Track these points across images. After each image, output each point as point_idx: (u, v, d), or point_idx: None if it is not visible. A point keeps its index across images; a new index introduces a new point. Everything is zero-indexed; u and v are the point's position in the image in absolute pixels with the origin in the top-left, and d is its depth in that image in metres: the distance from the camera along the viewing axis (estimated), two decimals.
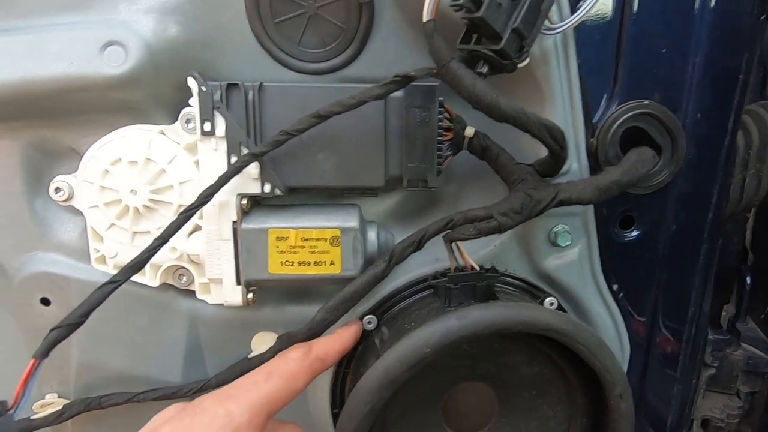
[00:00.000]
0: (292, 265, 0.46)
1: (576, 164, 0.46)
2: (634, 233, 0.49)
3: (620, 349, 0.53)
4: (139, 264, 0.40)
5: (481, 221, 0.42)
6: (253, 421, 0.36)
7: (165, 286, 0.50)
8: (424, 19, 0.36)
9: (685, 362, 0.55)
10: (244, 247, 0.45)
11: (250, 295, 0.47)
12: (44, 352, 0.38)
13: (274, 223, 0.45)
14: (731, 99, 0.45)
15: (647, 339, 0.53)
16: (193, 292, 0.50)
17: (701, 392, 0.67)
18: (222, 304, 0.48)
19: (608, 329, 0.52)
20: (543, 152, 0.43)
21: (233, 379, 0.51)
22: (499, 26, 0.34)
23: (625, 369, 0.54)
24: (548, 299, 0.51)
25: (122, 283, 0.39)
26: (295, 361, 0.41)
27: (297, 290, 0.52)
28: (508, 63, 0.36)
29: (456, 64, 0.35)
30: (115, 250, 0.47)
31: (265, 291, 0.50)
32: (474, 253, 0.50)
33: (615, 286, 0.51)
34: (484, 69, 0.36)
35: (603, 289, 0.50)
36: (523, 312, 0.40)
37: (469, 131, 0.46)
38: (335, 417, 0.52)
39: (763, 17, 0.49)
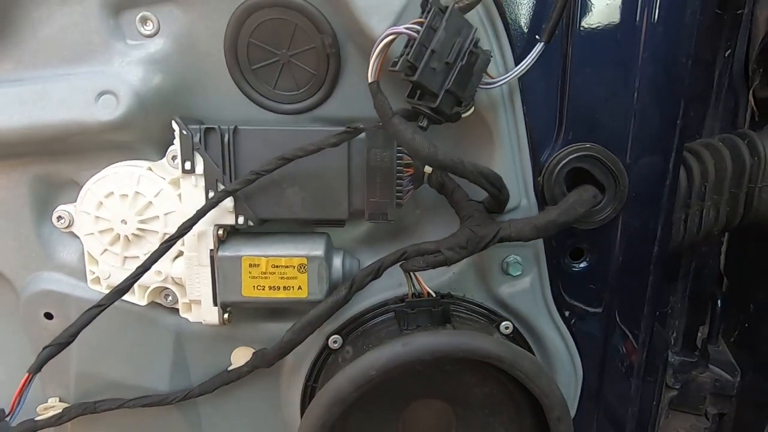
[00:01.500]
0: (263, 289, 0.51)
1: (525, 201, 0.49)
2: (583, 264, 0.53)
3: (573, 372, 0.56)
4: (123, 290, 0.45)
5: (431, 254, 0.46)
6: None
7: (153, 305, 0.55)
8: (369, 80, 0.40)
9: (639, 384, 0.57)
10: (221, 273, 0.50)
11: (226, 315, 0.52)
12: (37, 368, 0.44)
13: (247, 251, 0.50)
14: (671, 141, 0.48)
15: (601, 363, 0.56)
16: (178, 309, 0.55)
17: (663, 413, 0.69)
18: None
19: (561, 353, 0.55)
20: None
21: (214, 389, 0.57)
22: (435, 88, 0.38)
23: (579, 390, 0.57)
24: (504, 323, 0.54)
25: (107, 307, 0.44)
26: None
27: (271, 310, 0.56)
28: (445, 117, 0.40)
29: (397, 119, 0.39)
30: (108, 272, 0.52)
31: (242, 310, 0.55)
32: (434, 279, 0.54)
33: (567, 313, 0.54)
34: (424, 123, 0.40)
35: (555, 316, 0.54)
36: (466, 340, 0.44)
37: (428, 169, 0.50)
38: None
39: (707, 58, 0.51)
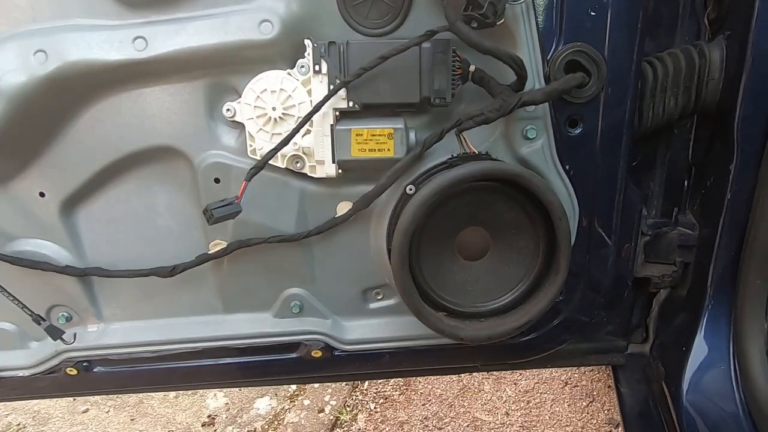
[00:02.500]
0: (365, 151, 0.78)
1: (537, 84, 0.74)
2: (578, 131, 0.78)
3: (572, 208, 0.82)
4: (277, 148, 0.73)
5: (477, 116, 0.72)
6: None
7: (286, 171, 0.82)
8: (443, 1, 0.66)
9: (618, 228, 0.83)
10: (337, 140, 0.77)
11: (340, 171, 0.79)
12: (249, 178, 0.73)
13: (354, 125, 0.77)
14: (633, 41, 0.72)
15: (590, 210, 0.82)
16: (304, 174, 0.82)
17: (639, 258, 0.95)
18: (322, 182, 0.80)
19: (564, 195, 0.81)
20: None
21: (327, 230, 0.84)
22: (482, 1, 0.63)
23: (576, 223, 0.83)
24: None
25: (280, 149, 0.72)
26: None
27: (363, 176, 0.82)
28: (488, 22, 0.65)
29: (459, 23, 0.65)
30: (261, 145, 0.79)
31: (347, 172, 0.81)
32: (477, 146, 0.80)
33: (567, 167, 0.80)
34: (474, 24, 0.65)
35: (559, 168, 0.79)
36: (501, 165, 0.70)
37: (472, 68, 0.76)
38: (389, 252, 0.83)
39: None
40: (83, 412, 1.87)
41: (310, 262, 0.90)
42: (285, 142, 0.75)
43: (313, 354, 0.93)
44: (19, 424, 1.81)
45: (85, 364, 0.93)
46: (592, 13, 0.72)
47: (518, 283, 0.82)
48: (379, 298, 0.94)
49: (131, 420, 1.81)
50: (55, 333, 0.87)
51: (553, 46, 0.73)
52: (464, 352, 0.95)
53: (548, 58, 0.74)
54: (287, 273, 0.90)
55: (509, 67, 0.69)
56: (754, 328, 0.80)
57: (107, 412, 1.85)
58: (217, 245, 0.86)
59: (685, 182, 0.99)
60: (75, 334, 0.90)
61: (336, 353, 0.93)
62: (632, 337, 1.07)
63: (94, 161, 0.83)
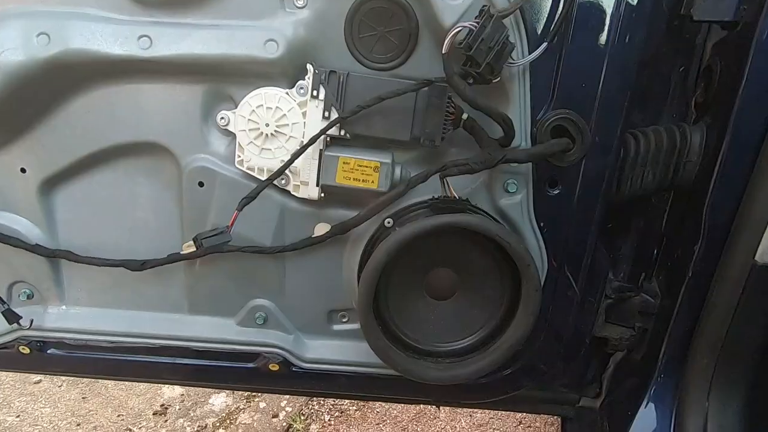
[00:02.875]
0: (349, 180, 0.79)
1: (524, 142, 0.77)
2: (556, 191, 0.81)
3: (541, 264, 0.84)
4: (280, 171, 0.74)
5: (461, 165, 0.74)
6: None
7: (271, 186, 0.83)
8: (443, 51, 0.68)
9: (583, 289, 0.86)
10: (324, 165, 0.78)
11: (322, 195, 0.81)
12: (241, 207, 0.74)
13: (343, 153, 0.78)
14: (619, 117, 0.75)
15: (558, 266, 0.85)
16: (286, 191, 0.83)
17: (601, 318, 0.98)
18: (303, 201, 0.82)
19: (535, 251, 0.83)
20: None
21: (302, 247, 0.85)
22: (480, 60, 0.65)
23: (545, 276, 0.85)
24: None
25: (274, 180, 0.74)
26: None
27: (344, 202, 0.84)
28: (484, 79, 0.67)
29: (456, 78, 0.67)
30: (249, 157, 0.81)
31: (328, 200, 0.83)
32: (458, 192, 0.82)
33: (541, 223, 0.82)
34: (470, 81, 0.67)
35: (533, 224, 0.82)
36: (465, 217, 0.72)
37: (465, 116, 0.78)
38: (359, 279, 0.85)
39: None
40: (35, 383, 1.83)
41: (280, 276, 0.91)
42: (277, 174, 0.77)
43: (270, 367, 0.94)
44: None
45: (39, 344, 0.92)
46: (584, 85, 0.75)
47: (479, 329, 0.84)
48: (344, 320, 0.95)
49: (83, 398, 1.79)
50: (12, 317, 0.87)
51: (544, 109, 0.76)
52: (420, 386, 0.97)
53: (537, 118, 0.76)
54: (257, 283, 0.91)
55: (498, 124, 0.72)
56: (696, 406, 0.83)
57: (60, 386, 1.82)
58: (190, 246, 0.87)
59: (655, 251, 1.02)
60: (32, 321, 0.90)
61: (293, 369, 0.94)
62: (585, 391, 1.10)
63: (82, 146, 0.83)
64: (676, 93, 0.92)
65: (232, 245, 0.85)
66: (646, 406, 0.92)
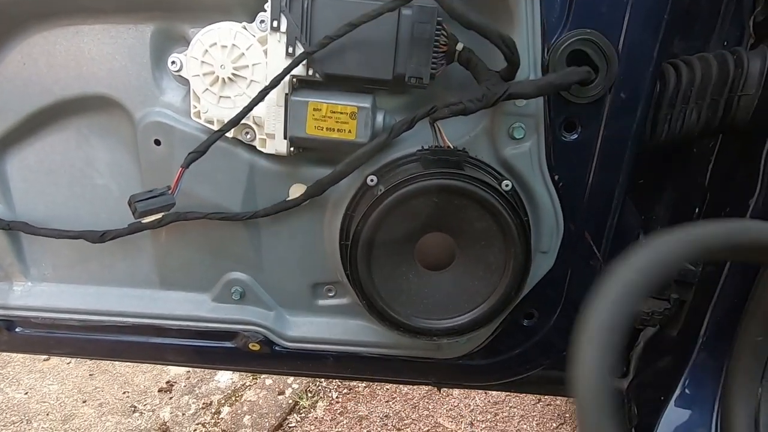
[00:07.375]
0: (322, 130, 0.66)
1: (533, 74, 0.62)
2: (574, 136, 0.66)
3: (555, 225, 0.70)
4: (235, 121, 0.61)
5: (454, 106, 0.60)
6: None
7: (235, 141, 0.72)
8: None
9: (607, 249, 0.71)
10: (291, 113, 0.66)
11: (292, 149, 0.69)
12: (186, 165, 0.62)
13: (313, 98, 0.65)
14: (656, 36, 0.59)
15: (580, 225, 0.70)
16: (254, 147, 0.71)
17: None
18: (273, 158, 0.70)
19: (548, 209, 0.69)
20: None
21: (275, 213, 0.74)
22: None
23: (560, 242, 0.71)
24: (504, 181, 0.69)
25: (226, 132, 0.61)
26: None
27: (323, 158, 0.72)
28: None
29: None
30: (206, 107, 0.69)
31: (302, 155, 0.71)
32: (453, 140, 0.68)
33: (556, 176, 0.68)
34: None
35: (546, 177, 0.68)
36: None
37: (459, 46, 0.64)
38: (342, 248, 0.73)
39: None
40: (45, 360, 1.84)
41: (256, 247, 0.80)
42: (231, 124, 0.65)
43: (250, 346, 0.84)
44: None
45: (4, 322, 0.86)
46: None
47: (481, 303, 0.71)
48: (330, 295, 0.84)
49: (90, 375, 1.78)
50: None
51: (558, 31, 0.61)
52: (417, 366, 0.86)
53: (550, 44, 0.61)
54: (231, 255, 0.81)
55: (498, 48, 0.57)
56: (747, 389, 0.69)
57: (68, 363, 1.81)
58: (150, 215, 0.77)
59: (696, 209, 0.87)
60: None
61: (276, 348, 0.85)
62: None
63: (25, 103, 0.73)
64: (729, 11, 0.74)
65: (197, 212, 0.75)
66: (682, 390, 0.78)
